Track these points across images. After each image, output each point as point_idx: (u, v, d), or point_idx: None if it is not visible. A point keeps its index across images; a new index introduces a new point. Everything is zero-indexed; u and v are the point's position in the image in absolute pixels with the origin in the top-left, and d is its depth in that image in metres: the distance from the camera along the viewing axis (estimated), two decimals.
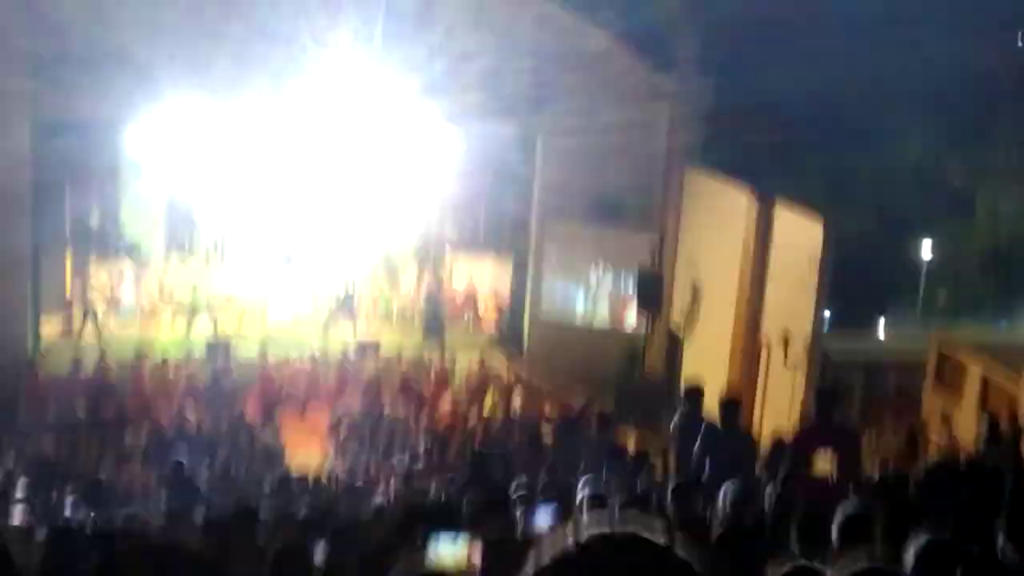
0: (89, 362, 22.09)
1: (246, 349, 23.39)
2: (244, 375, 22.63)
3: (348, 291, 25.44)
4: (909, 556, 4.73)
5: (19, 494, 15.23)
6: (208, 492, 15.17)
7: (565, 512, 8.20)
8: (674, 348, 23.63)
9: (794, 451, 8.71)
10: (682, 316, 23.14)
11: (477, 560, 7.66)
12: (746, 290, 20.15)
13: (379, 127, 23.45)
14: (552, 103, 23.37)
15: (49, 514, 13.86)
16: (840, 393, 10.19)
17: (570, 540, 2.01)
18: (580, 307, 24.48)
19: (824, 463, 8.55)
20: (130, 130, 23.29)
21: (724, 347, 20.51)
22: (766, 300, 19.85)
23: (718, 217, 21.92)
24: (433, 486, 15.79)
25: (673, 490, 7.44)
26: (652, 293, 22.81)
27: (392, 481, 16.48)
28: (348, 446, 20.25)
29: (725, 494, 7.22)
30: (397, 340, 24.93)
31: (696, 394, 10.90)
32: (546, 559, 2.01)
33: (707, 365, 20.64)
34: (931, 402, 20.63)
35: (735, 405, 10.25)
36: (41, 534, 9.75)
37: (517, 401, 22.00)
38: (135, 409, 20.77)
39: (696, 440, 9.96)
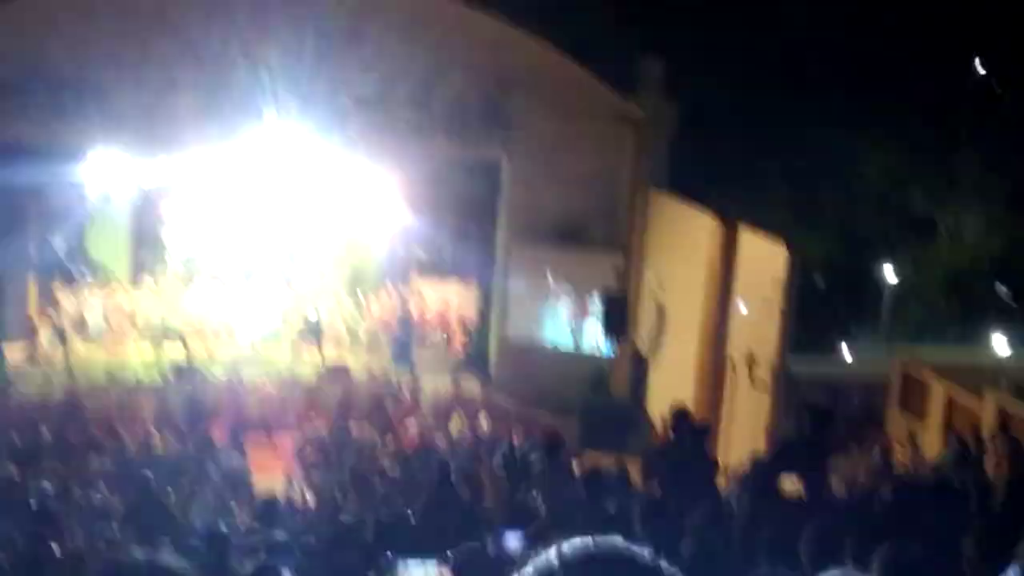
0: (55, 387, 21.92)
1: (215, 372, 23.27)
2: (212, 398, 22.52)
3: (316, 314, 25.42)
4: (877, 572, 4.81)
5: None
6: (177, 515, 15.08)
7: (534, 536, 8.24)
8: (640, 371, 23.72)
9: (764, 471, 8.79)
10: (647, 339, 23.25)
11: None
12: (711, 313, 20.29)
13: (342, 148, 23.45)
14: (517, 126, 23.48)
15: (14, 541, 13.71)
16: (831, 413, 10.34)
17: (552, 557, 2.02)
18: (546, 330, 24.54)
19: (792, 483, 8.63)
20: (95, 154, 23.16)
21: (689, 369, 20.63)
22: (731, 323, 19.99)
23: (683, 240, 22.07)
24: (401, 508, 15.76)
25: (642, 510, 7.49)
26: (617, 316, 22.90)
27: (360, 503, 16.42)
28: (316, 468, 20.16)
29: (694, 515, 7.28)
30: (365, 363, 24.91)
31: (682, 418, 10.94)
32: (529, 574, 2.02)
33: (673, 387, 20.75)
34: (896, 423, 20.82)
35: (703, 429, 10.33)
36: (7, 561, 9.68)
37: (484, 424, 21.98)
38: (102, 433, 20.60)
39: (671, 463, 10.04)
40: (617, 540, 2.03)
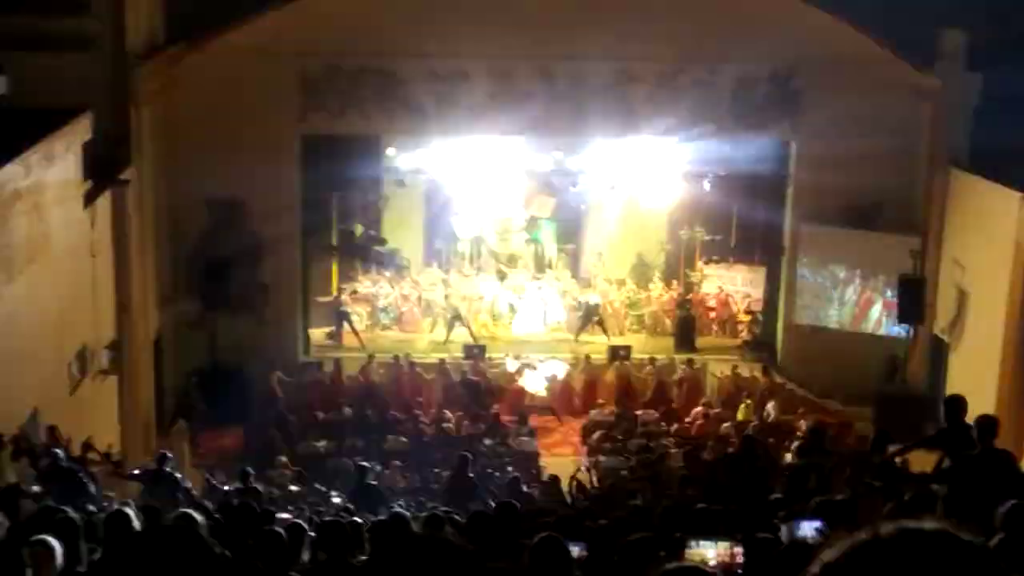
0: (354, 365, 23.02)
1: (500, 353, 23.83)
2: (499, 379, 23.09)
3: (601, 298, 25.56)
4: None
5: (292, 488, 16.04)
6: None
7: (831, 527, 7.99)
8: (938, 356, 22.65)
9: None
10: (947, 323, 22.16)
11: (738, 560, 7.57)
12: (1017, 295, 19.13)
13: (624, 136, 23.51)
14: (806, 105, 22.85)
15: (316, 509, 14.51)
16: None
17: (865, 534, 1.92)
18: (836, 313, 23.79)
19: None
20: (391, 143, 24.19)
21: (994, 355, 19.51)
22: None
23: (985, 220, 20.89)
24: (685, 490, 15.68)
25: (944, 499, 7.14)
26: (914, 299, 21.94)
27: (645, 484, 16.45)
28: (602, 452, 20.35)
29: (1004, 510, 6.84)
30: (649, 345, 24.88)
31: (956, 405, 10.32)
32: (842, 550, 1.91)
33: (975, 374, 19.72)
34: None
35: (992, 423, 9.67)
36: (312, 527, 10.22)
37: (772, 411, 21.55)
38: (397, 410, 21.51)
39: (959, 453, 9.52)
40: (935, 522, 1.91)
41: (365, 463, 16.00)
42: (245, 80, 21.88)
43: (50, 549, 6.13)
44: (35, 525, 7.08)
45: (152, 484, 14.00)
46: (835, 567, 1.91)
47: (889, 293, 22.82)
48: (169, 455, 15.18)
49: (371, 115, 22.71)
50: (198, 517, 7.43)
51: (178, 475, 14.73)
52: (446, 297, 25.45)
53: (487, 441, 20.18)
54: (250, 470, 14.65)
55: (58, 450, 13.85)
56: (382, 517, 11.40)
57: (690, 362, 23.41)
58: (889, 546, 1.88)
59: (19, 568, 6.02)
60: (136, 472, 15.33)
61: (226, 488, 15.11)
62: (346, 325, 24.70)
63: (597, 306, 25.35)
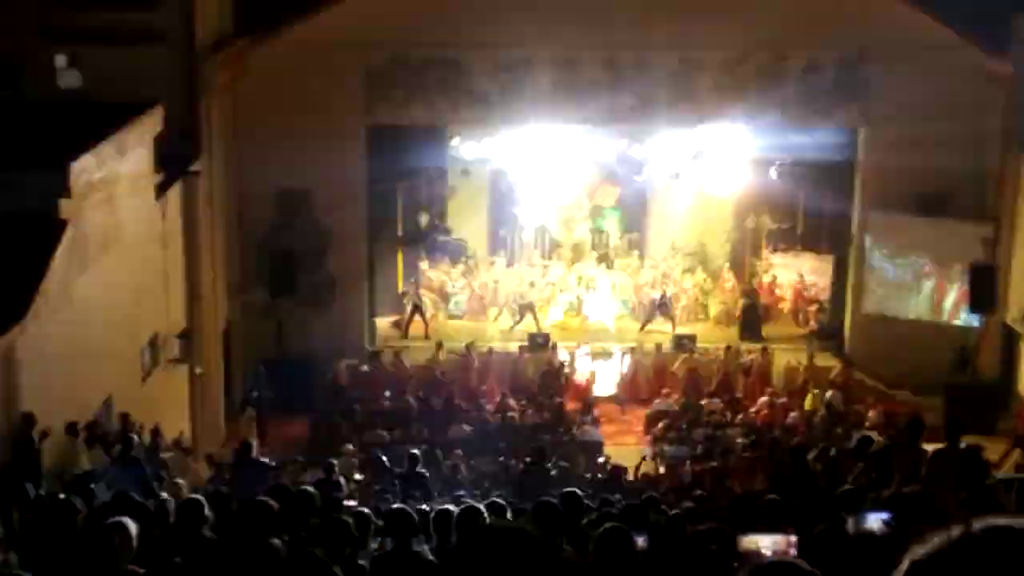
0: (420, 355, 23.14)
1: (567, 343, 23.82)
2: (564, 369, 23.07)
3: (667, 287, 25.44)
4: None
5: (357, 477, 16.18)
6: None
7: (898, 521, 7.90)
8: (1010, 346, 22.27)
9: None
10: (1019, 312, 21.78)
11: (794, 552, 7.53)
12: None
13: (689, 124, 23.42)
14: (875, 90, 22.56)
15: (382, 497, 14.62)
16: None
17: (955, 531, 1.89)
18: (905, 302, 23.46)
19: None
20: (456, 133, 24.28)
21: None
22: None
23: None
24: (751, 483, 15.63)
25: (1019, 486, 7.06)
26: (986, 287, 21.58)
27: (709, 474, 16.41)
28: (667, 441, 20.28)
29: None
30: (714, 335, 24.72)
31: None
32: (934, 547, 1.88)
33: None
34: None
35: None
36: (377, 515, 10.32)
37: (839, 402, 21.32)
38: (463, 399, 21.58)
39: None
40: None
41: (415, 451, 16.01)
42: (311, 72, 22.05)
43: (127, 531, 6.26)
44: (110, 510, 7.24)
45: (239, 470, 14.17)
46: (927, 564, 1.87)
47: (961, 282, 22.45)
48: (252, 442, 15.47)
49: (436, 105, 22.84)
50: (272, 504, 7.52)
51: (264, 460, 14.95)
52: (531, 286, 25.37)
53: (550, 430, 20.18)
54: (334, 461, 14.78)
55: (133, 436, 14.14)
56: (447, 506, 11.45)
57: (758, 351, 23.20)
58: (982, 544, 1.83)
59: (98, 550, 6.16)
60: (224, 462, 15.59)
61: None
62: (418, 315, 24.78)
63: (670, 297, 25.22)
